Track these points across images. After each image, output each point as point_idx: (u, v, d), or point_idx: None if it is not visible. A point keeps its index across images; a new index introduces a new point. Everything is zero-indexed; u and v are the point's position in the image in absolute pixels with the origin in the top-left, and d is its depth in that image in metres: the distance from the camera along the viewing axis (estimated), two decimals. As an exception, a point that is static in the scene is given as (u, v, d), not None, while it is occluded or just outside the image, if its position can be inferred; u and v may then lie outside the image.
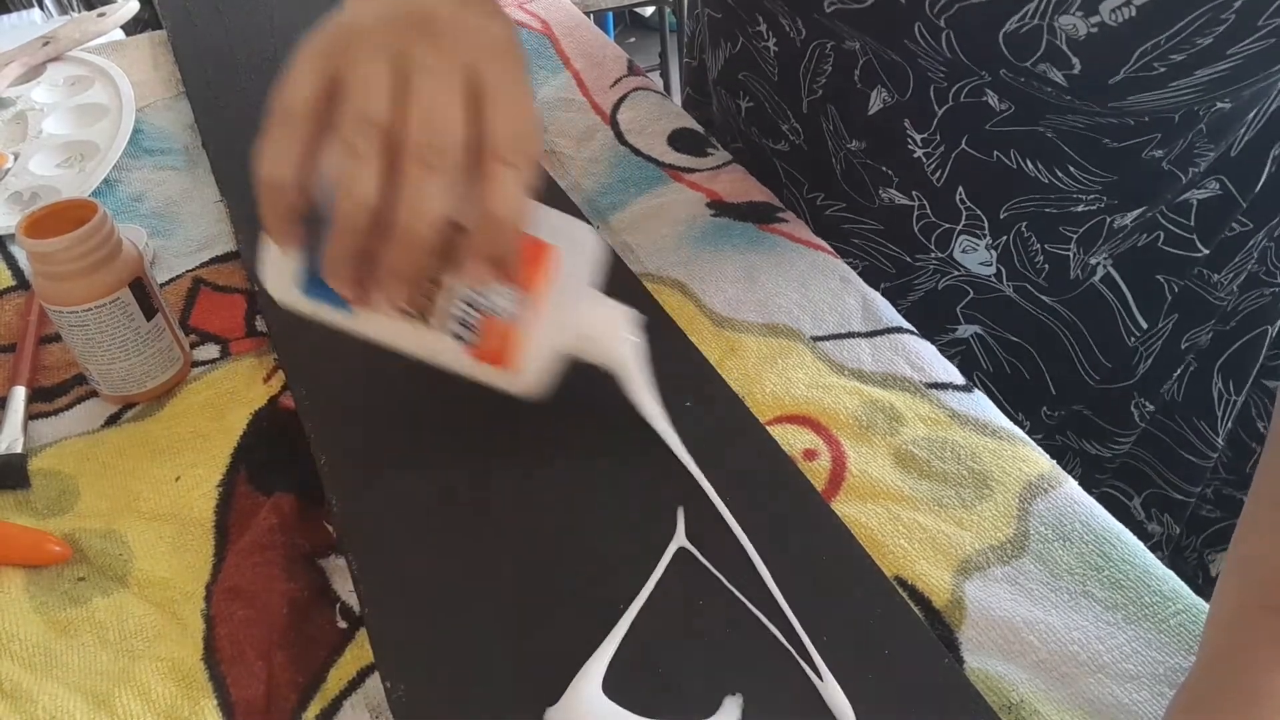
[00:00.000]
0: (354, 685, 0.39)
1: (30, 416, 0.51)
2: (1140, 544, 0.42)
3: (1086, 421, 0.67)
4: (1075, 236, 0.57)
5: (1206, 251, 0.58)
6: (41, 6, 1.29)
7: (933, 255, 0.62)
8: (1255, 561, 0.35)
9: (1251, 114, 0.53)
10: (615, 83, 0.75)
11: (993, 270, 0.61)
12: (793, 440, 0.47)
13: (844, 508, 0.44)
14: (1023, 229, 0.58)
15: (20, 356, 0.53)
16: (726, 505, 0.42)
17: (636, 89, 0.74)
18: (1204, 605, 0.39)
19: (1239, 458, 0.67)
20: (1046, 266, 0.59)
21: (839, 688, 0.36)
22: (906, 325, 0.53)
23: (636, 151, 0.68)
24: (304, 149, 0.35)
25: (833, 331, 0.53)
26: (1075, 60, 0.45)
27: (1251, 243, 0.58)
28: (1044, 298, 0.61)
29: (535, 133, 0.37)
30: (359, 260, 0.36)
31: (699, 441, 0.45)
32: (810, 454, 0.46)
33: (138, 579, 0.43)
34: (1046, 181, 0.55)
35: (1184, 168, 0.53)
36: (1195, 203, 0.56)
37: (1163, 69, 0.45)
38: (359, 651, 0.40)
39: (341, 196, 0.35)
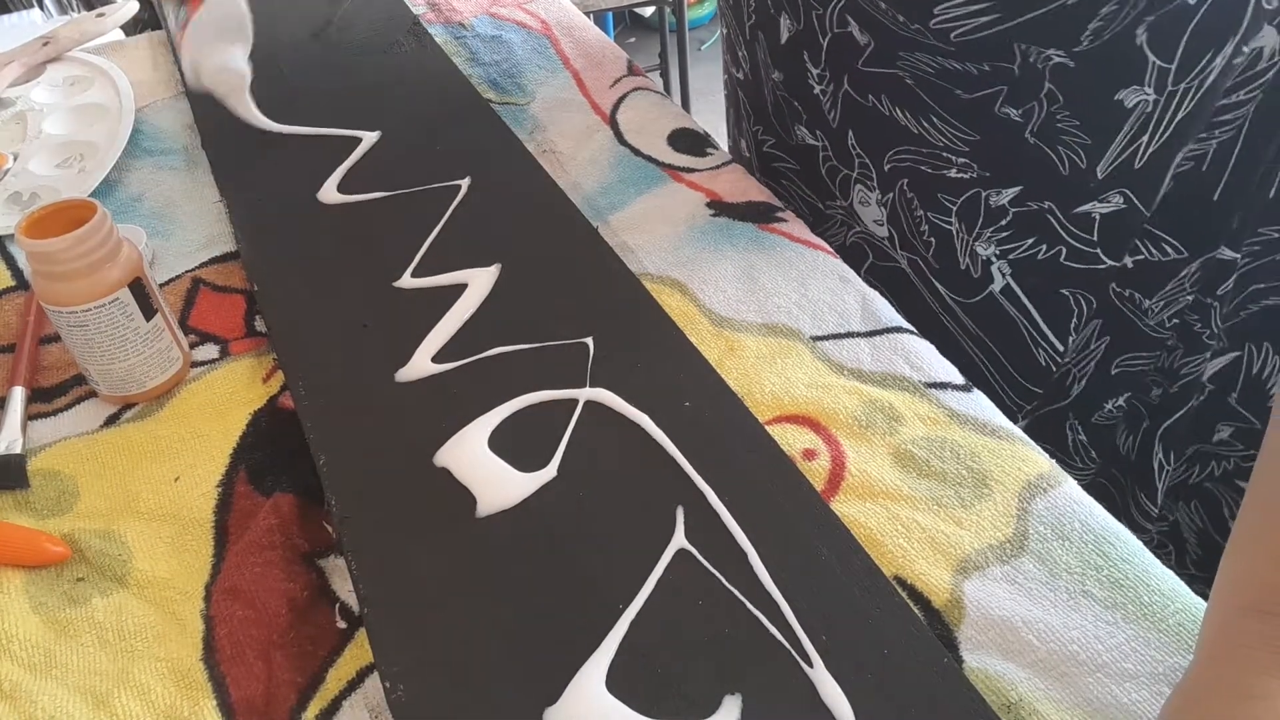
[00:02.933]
0: (353, 685, 0.39)
1: (30, 416, 0.51)
2: (1139, 543, 0.42)
3: None
4: (955, 208, 0.57)
5: (1113, 263, 0.57)
6: (41, 6, 1.29)
7: (839, 204, 0.63)
8: (1247, 565, 0.35)
9: (1149, 115, 0.52)
10: (615, 83, 0.75)
11: (885, 232, 0.61)
12: (792, 440, 0.47)
13: (843, 507, 0.44)
14: (905, 188, 0.59)
15: (20, 356, 0.53)
16: (726, 505, 0.42)
17: (636, 89, 0.74)
18: (1203, 605, 0.39)
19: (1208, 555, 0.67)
20: (933, 240, 0.59)
21: (834, 682, 0.36)
22: (906, 325, 0.53)
23: (636, 151, 0.68)
24: None
25: (832, 331, 0.53)
26: None
27: (1184, 272, 0.57)
28: (940, 288, 0.61)
29: None
30: None
31: (698, 441, 0.45)
32: (810, 454, 0.46)
33: (137, 579, 0.43)
34: (916, 133, 0.56)
35: (1052, 144, 0.53)
36: (1098, 216, 0.55)
37: None
38: (359, 651, 0.40)
39: None
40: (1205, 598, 0.39)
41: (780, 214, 0.61)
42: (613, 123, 0.71)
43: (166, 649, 0.40)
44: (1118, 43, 0.49)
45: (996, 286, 0.59)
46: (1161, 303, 0.59)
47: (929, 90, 0.54)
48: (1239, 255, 0.57)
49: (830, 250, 0.58)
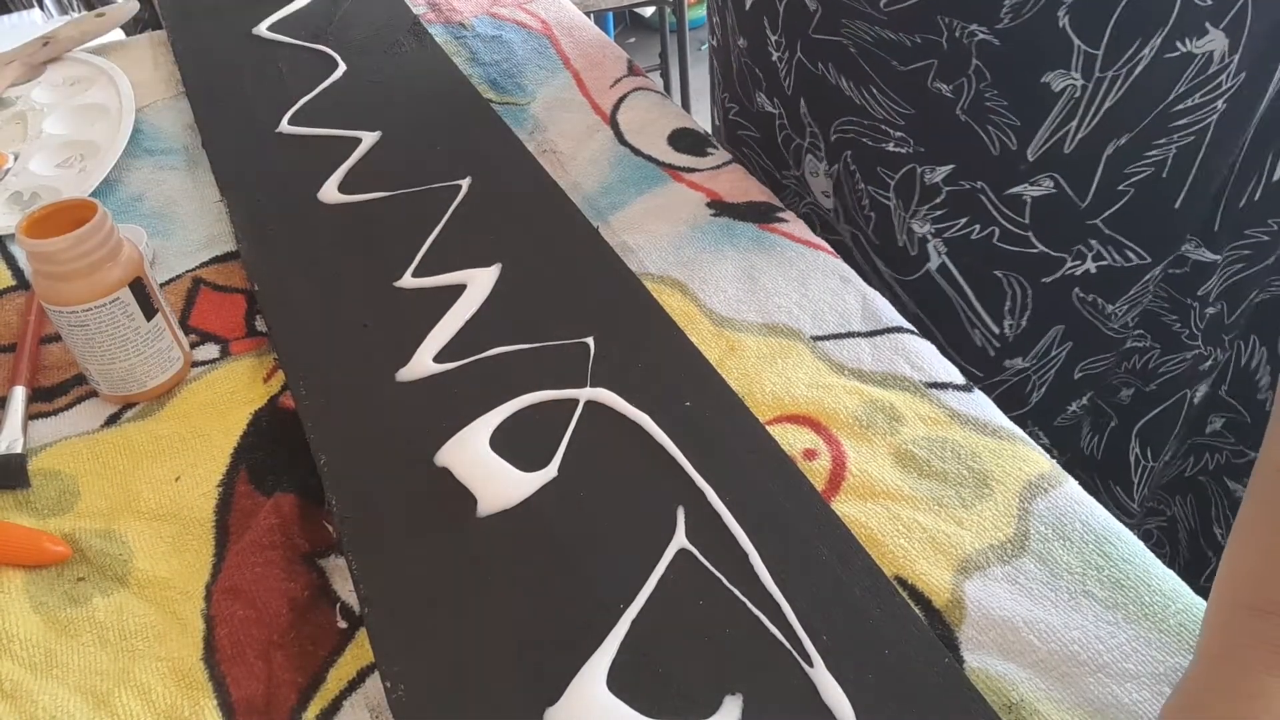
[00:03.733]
0: (354, 685, 0.39)
1: (30, 416, 0.51)
2: (1140, 543, 0.42)
3: None
4: (892, 184, 0.58)
5: (1047, 250, 0.57)
6: (41, 6, 1.29)
7: (792, 174, 0.64)
8: (1246, 563, 0.35)
9: (1076, 100, 0.52)
10: (615, 83, 0.75)
11: (831, 204, 0.63)
12: (793, 440, 0.47)
13: (844, 507, 0.44)
14: (849, 160, 0.60)
15: (20, 356, 0.53)
16: (726, 505, 0.42)
17: (636, 89, 0.74)
18: (1203, 605, 0.39)
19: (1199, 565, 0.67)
20: (872, 215, 0.60)
21: (835, 682, 0.36)
22: (907, 325, 0.53)
23: (636, 151, 0.68)
24: None
25: (833, 331, 0.53)
26: None
27: (1148, 276, 0.58)
28: (880, 264, 0.62)
29: None
30: None
31: (699, 441, 0.45)
32: (810, 454, 0.46)
33: (138, 579, 0.43)
34: (859, 103, 0.57)
35: (982, 123, 0.53)
36: (1029, 199, 0.55)
37: None
38: (359, 651, 0.40)
39: None
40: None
41: (781, 214, 0.61)
42: (613, 123, 0.71)
43: (167, 649, 0.40)
44: (1039, 23, 0.49)
45: (933, 265, 0.60)
46: (1125, 306, 0.59)
47: (869, 60, 0.55)
48: (1219, 257, 0.57)
49: (831, 250, 0.58)
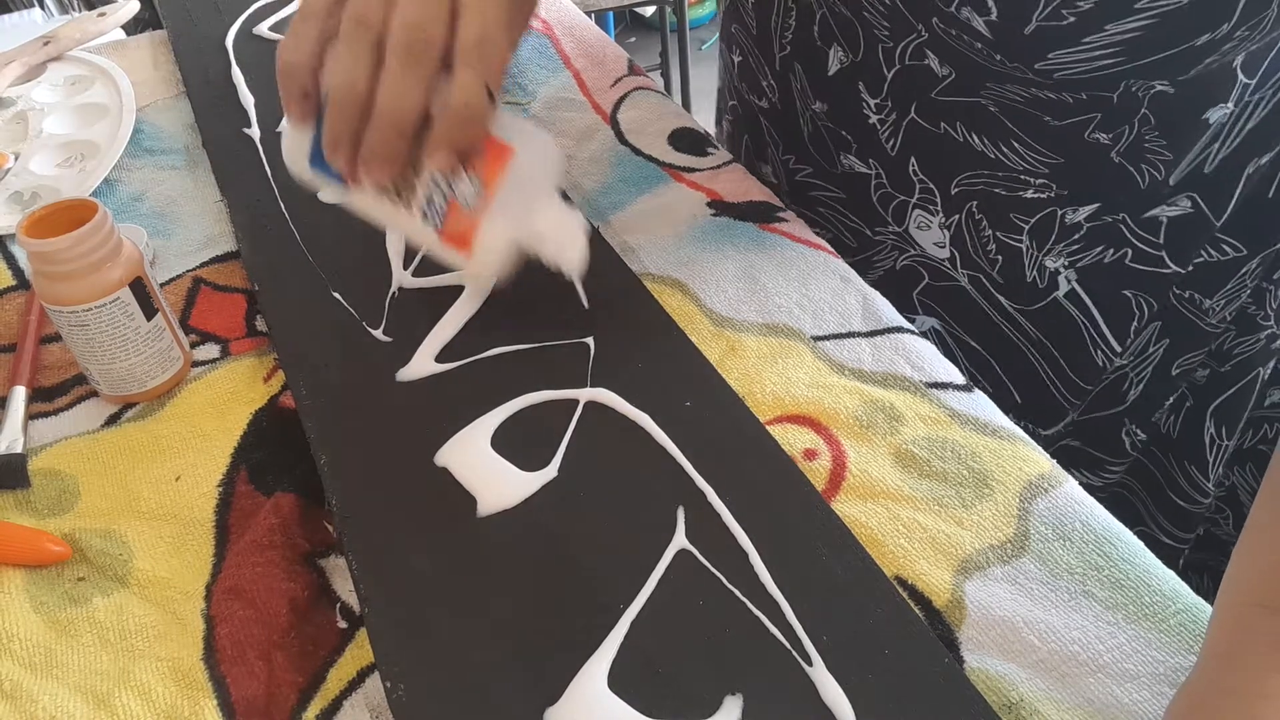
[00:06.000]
0: (354, 685, 0.39)
1: (30, 416, 0.51)
2: (1140, 544, 0.42)
3: (1074, 449, 0.66)
4: (1027, 227, 0.57)
5: (1178, 269, 0.57)
6: (42, 6, 1.29)
7: (890, 230, 0.62)
8: (1258, 562, 0.35)
9: (1224, 125, 0.52)
10: (615, 82, 0.75)
11: (946, 254, 0.61)
12: (793, 440, 0.47)
13: (844, 507, 0.44)
14: (974, 209, 0.58)
15: (20, 356, 0.53)
16: (726, 505, 0.42)
17: (637, 89, 0.74)
18: (1204, 605, 0.39)
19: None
20: (1000, 259, 0.59)
21: (835, 682, 0.36)
22: (907, 325, 0.53)
23: (637, 151, 0.68)
24: (316, 41, 0.42)
25: (833, 331, 0.53)
26: (992, 5, 0.47)
27: (1245, 269, 0.57)
28: (1002, 299, 0.61)
29: (497, 40, 0.42)
30: (350, 141, 0.42)
31: (699, 441, 0.45)
32: (810, 454, 0.46)
33: (138, 579, 0.43)
34: (993, 157, 0.55)
35: (1136, 162, 0.53)
36: (1165, 220, 0.55)
37: (1072, 18, 0.45)
38: (359, 651, 0.40)
39: (335, 84, 0.41)
40: None
41: (781, 214, 0.61)
42: (613, 122, 0.71)
43: (167, 649, 0.40)
44: (1219, 69, 0.49)
45: (1061, 292, 0.59)
46: (1223, 301, 0.59)
47: (1014, 117, 0.53)
48: None
49: (831, 250, 0.58)
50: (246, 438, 0.49)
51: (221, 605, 0.41)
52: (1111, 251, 0.57)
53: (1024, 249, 0.58)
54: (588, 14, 0.89)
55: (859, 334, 0.53)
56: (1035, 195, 0.56)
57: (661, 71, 2.06)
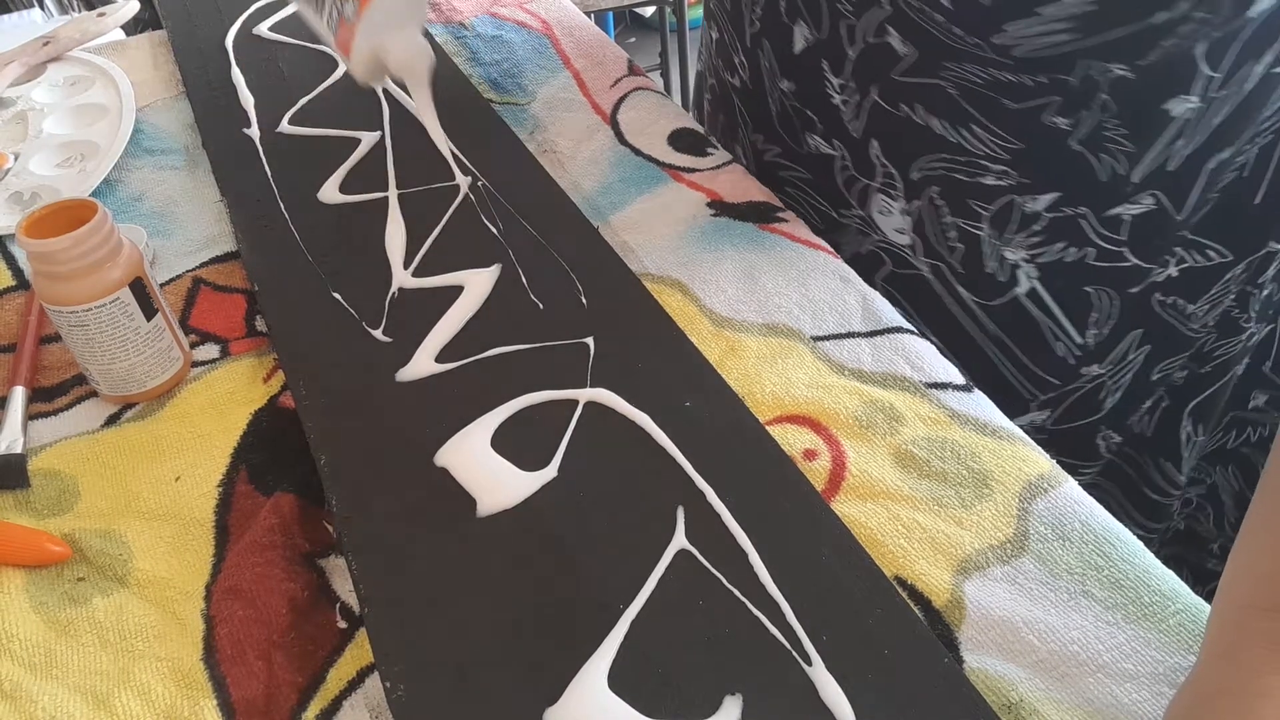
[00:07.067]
0: (354, 685, 0.39)
1: (30, 416, 0.51)
2: (1140, 544, 0.42)
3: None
4: (987, 215, 0.57)
5: (1141, 263, 0.57)
6: (42, 6, 1.29)
7: (855, 213, 0.62)
8: (1256, 563, 0.35)
9: (1188, 121, 0.52)
10: (615, 83, 0.75)
11: (908, 240, 0.61)
12: (793, 440, 0.47)
13: (844, 508, 0.44)
14: (935, 196, 0.58)
15: (20, 356, 0.53)
16: (726, 505, 0.42)
17: (636, 89, 0.74)
18: (1204, 605, 0.39)
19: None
20: (960, 246, 0.59)
21: (835, 682, 0.36)
22: (906, 325, 0.53)
23: (636, 151, 0.68)
24: None
25: (833, 331, 0.53)
26: None
27: (1229, 275, 0.57)
28: (963, 292, 0.60)
29: None
30: None
31: (699, 441, 0.45)
32: (810, 454, 0.46)
33: (137, 579, 0.43)
34: (953, 141, 0.55)
35: (1096, 152, 0.53)
36: (1129, 218, 0.55)
37: None
38: (359, 651, 0.40)
39: None
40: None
41: (781, 214, 0.61)
42: (613, 122, 0.71)
43: (167, 649, 0.40)
44: (1178, 55, 0.49)
45: (1022, 290, 0.59)
46: (1207, 306, 0.58)
47: (973, 100, 0.53)
48: None
49: (831, 250, 0.58)
50: (246, 438, 0.49)
51: (221, 605, 0.41)
52: (1074, 250, 0.56)
53: (984, 238, 0.58)
54: (587, 14, 0.90)
55: (859, 334, 0.53)
56: (995, 182, 0.56)
57: (661, 72, 2.06)
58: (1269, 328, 0.61)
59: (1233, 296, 0.59)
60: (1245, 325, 0.60)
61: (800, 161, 0.63)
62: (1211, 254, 0.56)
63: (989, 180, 0.56)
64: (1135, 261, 0.56)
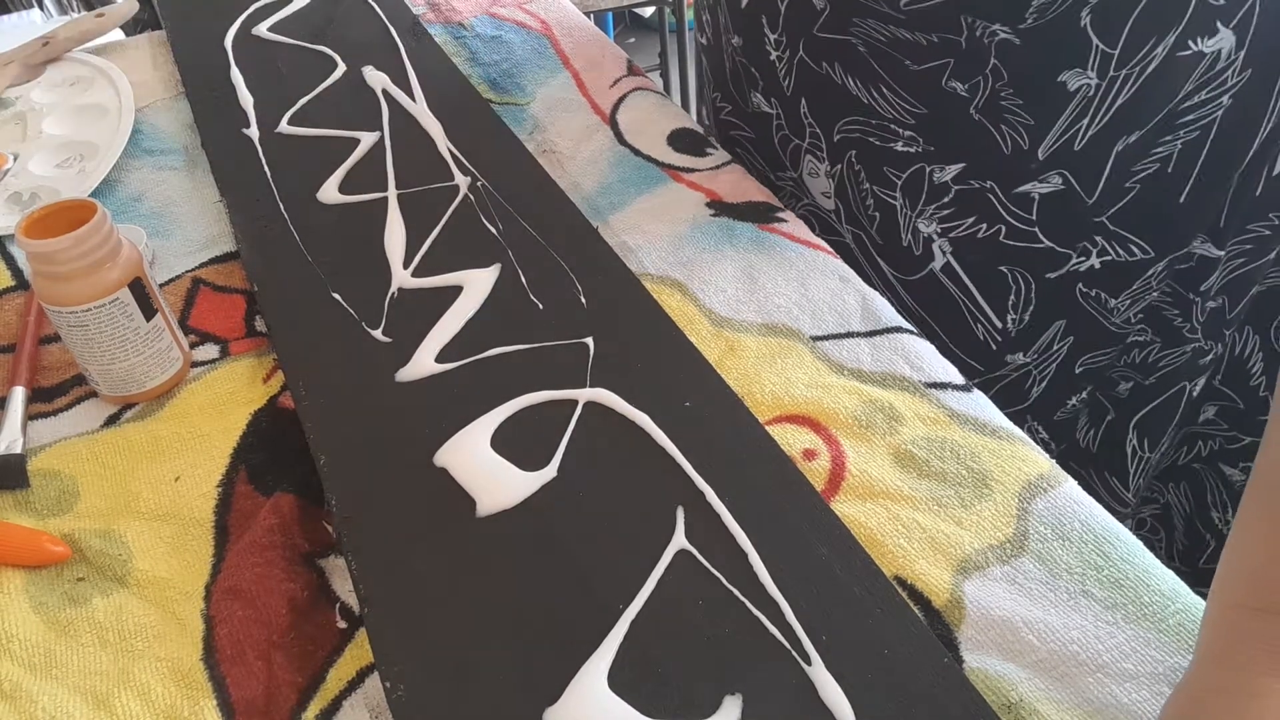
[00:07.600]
0: (354, 685, 0.39)
1: (30, 416, 0.51)
2: (1139, 544, 0.42)
3: None
4: (899, 183, 0.58)
5: (1053, 245, 0.57)
6: (41, 6, 1.29)
7: (789, 175, 0.63)
8: (1246, 563, 0.35)
9: (1089, 99, 0.52)
10: (615, 83, 0.75)
11: (832, 205, 0.62)
12: (792, 440, 0.47)
13: (843, 507, 0.44)
14: (853, 159, 0.59)
15: (20, 356, 0.53)
16: (726, 505, 0.42)
17: (636, 89, 0.74)
18: (1202, 605, 0.39)
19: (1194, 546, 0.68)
20: (877, 215, 0.60)
21: (835, 682, 0.36)
22: (906, 325, 0.53)
23: (636, 151, 0.68)
24: None
25: (832, 331, 0.53)
26: None
27: (1151, 271, 0.58)
28: (883, 264, 0.61)
29: None
30: None
31: (698, 441, 0.45)
32: (810, 454, 0.46)
33: (137, 579, 0.43)
34: (866, 102, 0.56)
35: (996, 123, 0.53)
36: (1037, 196, 0.55)
37: None
38: (359, 651, 0.40)
39: None
40: (1194, 590, 0.39)
41: (780, 214, 0.61)
42: (613, 123, 0.71)
43: (167, 649, 0.40)
44: (1062, 23, 0.49)
45: (937, 264, 0.60)
46: (1128, 301, 0.59)
47: (880, 59, 0.54)
48: (1223, 253, 0.57)
49: (830, 250, 0.58)
50: (246, 438, 0.49)
51: (221, 605, 0.41)
52: (985, 226, 0.57)
53: (898, 207, 0.59)
54: (587, 15, 0.90)
55: (858, 334, 0.53)
56: (905, 149, 0.57)
57: (660, 72, 2.06)
58: (1223, 343, 0.62)
59: (1156, 294, 0.59)
60: (1190, 336, 0.60)
61: (747, 121, 0.65)
62: (1134, 249, 0.57)
63: (899, 146, 0.57)
64: (1049, 244, 0.57)
